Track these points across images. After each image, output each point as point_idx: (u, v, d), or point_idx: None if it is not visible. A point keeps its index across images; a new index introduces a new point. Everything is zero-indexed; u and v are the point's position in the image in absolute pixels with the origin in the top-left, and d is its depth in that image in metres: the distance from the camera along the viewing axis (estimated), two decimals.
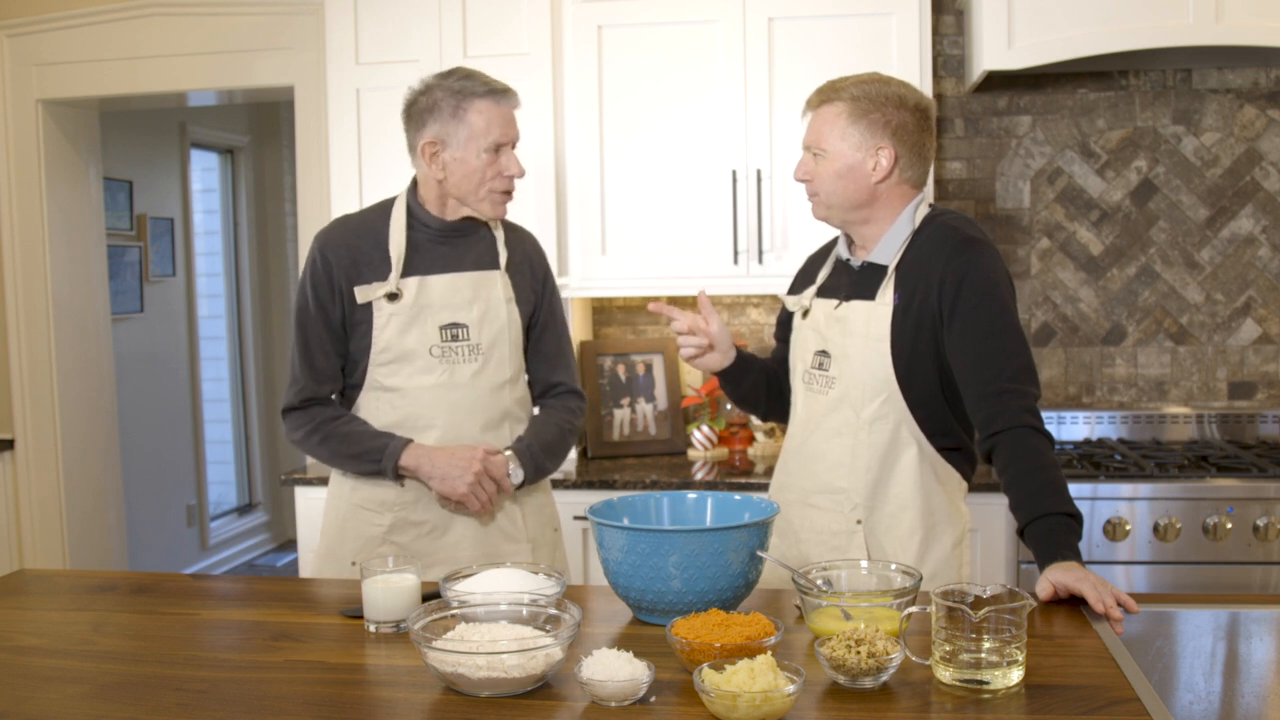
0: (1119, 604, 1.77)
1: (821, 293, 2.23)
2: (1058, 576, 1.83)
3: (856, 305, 2.13)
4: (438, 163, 2.25)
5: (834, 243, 2.31)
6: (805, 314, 2.23)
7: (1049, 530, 1.89)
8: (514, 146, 2.29)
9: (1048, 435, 1.99)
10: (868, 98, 2.10)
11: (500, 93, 2.25)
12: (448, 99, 2.23)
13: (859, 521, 2.12)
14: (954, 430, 2.13)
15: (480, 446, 2.26)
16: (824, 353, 2.17)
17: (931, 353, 2.07)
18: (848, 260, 2.20)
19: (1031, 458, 1.95)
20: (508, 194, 2.30)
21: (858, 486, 2.12)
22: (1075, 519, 1.90)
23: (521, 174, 2.29)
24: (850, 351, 2.12)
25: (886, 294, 2.09)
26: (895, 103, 2.10)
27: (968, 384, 2.04)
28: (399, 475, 2.26)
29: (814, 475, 2.17)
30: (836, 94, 2.12)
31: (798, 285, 2.34)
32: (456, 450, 2.25)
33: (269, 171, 6.52)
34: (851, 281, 2.17)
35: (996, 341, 2.02)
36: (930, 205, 2.18)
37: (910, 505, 2.11)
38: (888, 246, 2.13)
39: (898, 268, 2.11)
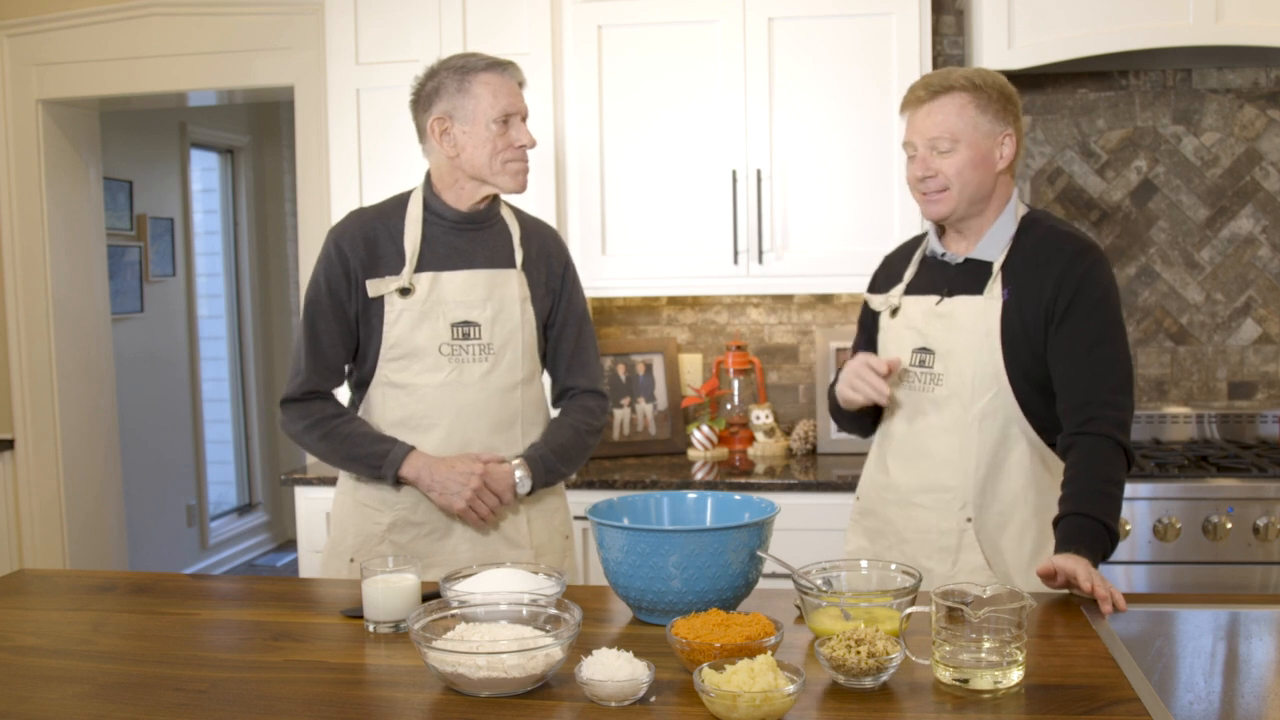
0: (1111, 601, 1.79)
1: (912, 290, 2.19)
2: (1060, 560, 1.84)
3: (963, 300, 2.10)
4: (449, 139, 2.23)
5: (913, 242, 2.29)
6: (894, 312, 2.20)
7: (1080, 528, 1.90)
8: (524, 120, 2.27)
9: (1129, 455, 1.99)
10: (985, 85, 2.05)
11: (503, 65, 2.25)
12: (452, 76, 2.23)
13: (969, 520, 2.08)
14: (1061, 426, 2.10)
15: (482, 456, 2.24)
16: (925, 349, 2.13)
17: (1039, 352, 2.06)
18: (943, 256, 2.16)
19: (1104, 467, 1.95)
20: (523, 164, 2.27)
21: (967, 484, 2.08)
22: (1111, 535, 1.91)
23: (533, 144, 2.27)
24: (957, 347, 2.09)
25: (995, 289, 2.07)
26: (1004, 88, 2.06)
27: (1068, 386, 2.03)
28: (399, 482, 2.25)
29: (919, 474, 2.13)
30: (950, 85, 2.05)
31: (880, 284, 2.29)
32: (457, 462, 2.22)
33: (269, 171, 6.52)
34: (950, 277, 2.14)
35: (1105, 350, 2.03)
36: (1025, 203, 2.17)
37: (1022, 503, 2.08)
38: (993, 242, 2.11)
39: (1004, 264, 2.08)
